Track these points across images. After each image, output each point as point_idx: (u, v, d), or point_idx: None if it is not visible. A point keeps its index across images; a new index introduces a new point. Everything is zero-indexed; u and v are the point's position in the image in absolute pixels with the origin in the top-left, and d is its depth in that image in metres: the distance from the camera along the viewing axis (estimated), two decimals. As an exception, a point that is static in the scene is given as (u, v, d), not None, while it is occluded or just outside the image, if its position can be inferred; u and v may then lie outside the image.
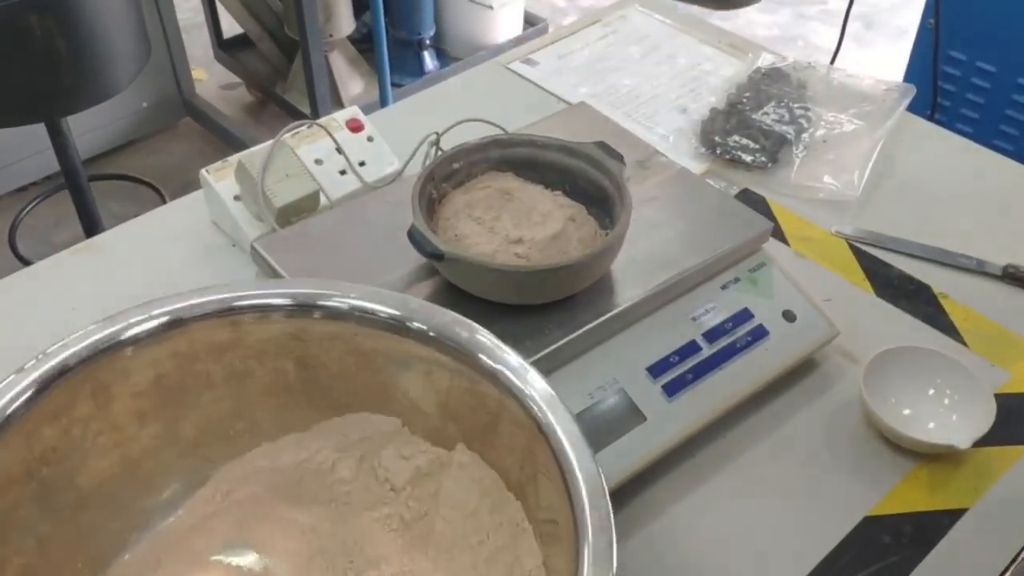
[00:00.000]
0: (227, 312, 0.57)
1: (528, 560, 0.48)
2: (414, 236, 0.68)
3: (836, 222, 0.97)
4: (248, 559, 0.54)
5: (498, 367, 0.54)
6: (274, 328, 0.57)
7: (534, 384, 0.52)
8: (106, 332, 0.54)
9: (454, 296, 0.71)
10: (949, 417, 0.76)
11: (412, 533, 0.55)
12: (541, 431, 0.50)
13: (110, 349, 0.54)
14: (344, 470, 0.58)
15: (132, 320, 0.55)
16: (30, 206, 2.04)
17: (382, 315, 0.57)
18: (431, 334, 0.56)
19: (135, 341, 0.55)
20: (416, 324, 0.56)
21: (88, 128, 2.08)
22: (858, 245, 0.95)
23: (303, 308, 0.57)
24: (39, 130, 1.57)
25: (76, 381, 0.53)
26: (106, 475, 0.56)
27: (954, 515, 0.71)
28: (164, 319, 0.55)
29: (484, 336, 0.56)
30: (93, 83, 1.44)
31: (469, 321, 0.57)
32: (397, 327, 0.57)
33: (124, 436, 0.56)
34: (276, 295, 0.58)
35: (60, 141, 1.60)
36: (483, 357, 0.55)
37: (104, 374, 0.54)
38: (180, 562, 0.54)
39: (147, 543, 0.56)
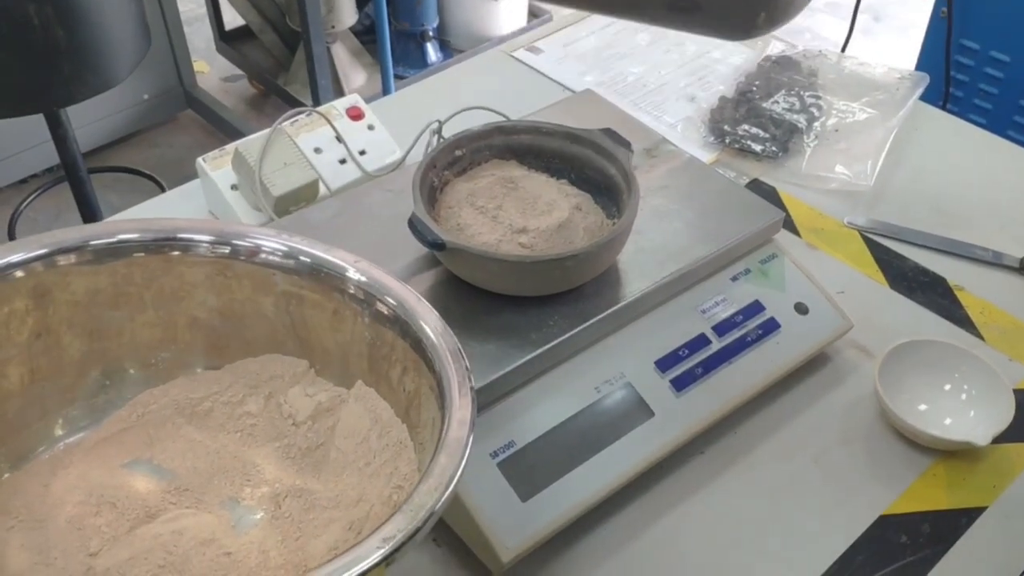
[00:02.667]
0: (166, 242, 0.61)
1: (405, 467, 0.53)
2: (415, 225, 0.66)
3: (848, 213, 0.95)
4: (154, 470, 0.59)
5: (396, 305, 0.59)
6: (202, 265, 0.62)
7: (430, 325, 0.57)
8: (57, 240, 0.59)
9: (456, 287, 0.69)
10: (967, 413, 0.74)
11: (307, 460, 0.60)
12: (427, 363, 0.55)
13: (58, 255, 0.58)
14: (252, 404, 0.62)
15: (86, 234, 0.60)
16: (30, 198, 2.03)
17: (303, 263, 0.61)
18: (351, 291, 0.60)
19: (78, 249, 0.59)
20: (336, 274, 0.61)
21: (89, 120, 2.06)
22: (871, 236, 0.92)
23: (224, 246, 0.61)
24: (39, 122, 1.55)
25: (22, 278, 0.57)
26: (34, 377, 0.59)
27: (972, 514, 0.69)
28: (112, 240, 0.60)
29: (391, 282, 0.60)
30: (92, 73, 1.41)
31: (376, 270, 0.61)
32: (315, 274, 0.61)
33: (54, 342, 0.60)
34: (205, 231, 0.62)
35: (60, 132, 1.57)
36: (388, 299, 0.59)
37: (48, 277, 0.58)
38: (90, 466, 0.58)
39: (64, 447, 0.60)
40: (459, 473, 0.47)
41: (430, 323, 0.57)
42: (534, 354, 0.66)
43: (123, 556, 0.52)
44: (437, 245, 0.65)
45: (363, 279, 0.60)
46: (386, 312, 0.58)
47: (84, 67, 1.40)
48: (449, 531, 0.65)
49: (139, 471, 0.58)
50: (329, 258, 0.61)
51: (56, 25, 1.33)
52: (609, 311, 0.69)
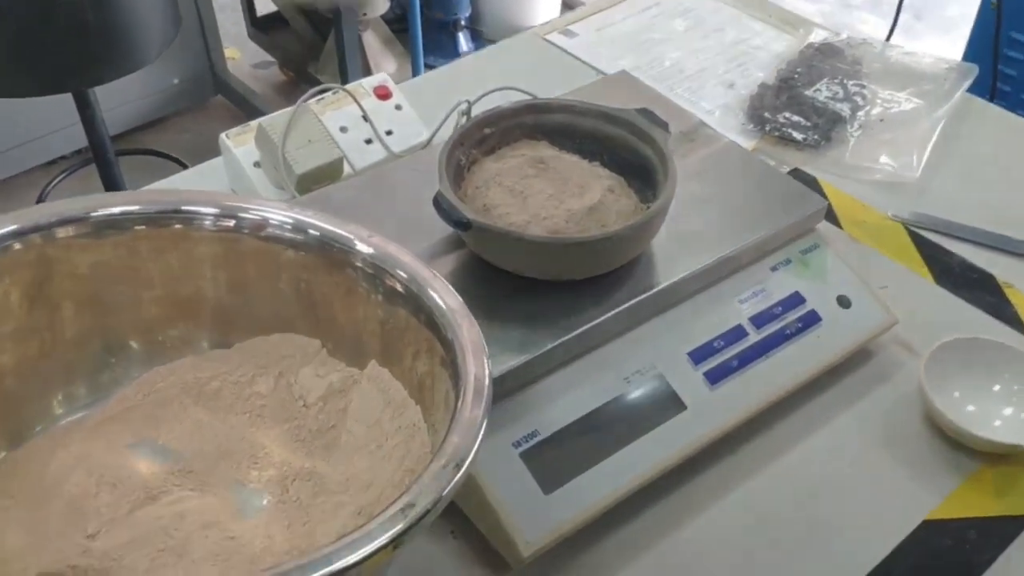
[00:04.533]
0: (170, 215, 0.59)
1: (418, 450, 0.51)
2: (440, 204, 0.63)
3: (893, 205, 0.91)
4: (158, 450, 0.57)
5: (413, 288, 0.56)
6: (210, 241, 0.60)
7: (444, 298, 0.54)
8: (58, 211, 0.57)
9: (482, 270, 0.66)
10: (1017, 416, 0.70)
11: (317, 443, 0.58)
12: (440, 340, 0.53)
13: (58, 226, 0.56)
14: (262, 385, 0.60)
15: (90, 204, 0.58)
16: (57, 179, 2.02)
17: (312, 237, 0.59)
18: (360, 265, 0.58)
19: (79, 221, 0.57)
20: (347, 248, 0.58)
21: (118, 103, 2.06)
22: (916, 230, 0.88)
23: (229, 219, 0.59)
24: (68, 103, 1.54)
25: (24, 247, 0.55)
26: (34, 352, 0.57)
27: (1022, 521, 0.65)
28: (113, 211, 0.58)
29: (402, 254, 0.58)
30: (120, 54, 1.40)
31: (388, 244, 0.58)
32: (326, 250, 0.59)
33: (56, 316, 0.58)
34: (210, 203, 0.60)
35: (88, 113, 1.57)
36: (399, 272, 0.57)
37: (49, 249, 0.56)
38: (93, 445, 0.56)
39: (65, 425, 0.58)
40: (472, 454, 0.45)
41: (444, 297, 0.54)
42: (561, 340, 0.63)
43: (122, 538, 0.49)
44: (462, 224, 0.62)
45: (371, 252, 0.57)
46: (399, 288, 0.56)
47: (112, 48, 1.39)
48: (466, 522, 0.62)
49: (143, 452, 0.56)
50: (337, 231, 0.58)
51: (86, 6, 1.32)
52: (641, 298, 0.66)
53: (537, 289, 0.65)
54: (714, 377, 0.67)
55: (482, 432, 0.47)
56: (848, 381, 0.73)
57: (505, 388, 0.61)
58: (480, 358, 0.50)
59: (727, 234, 0.71)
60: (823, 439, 0.70)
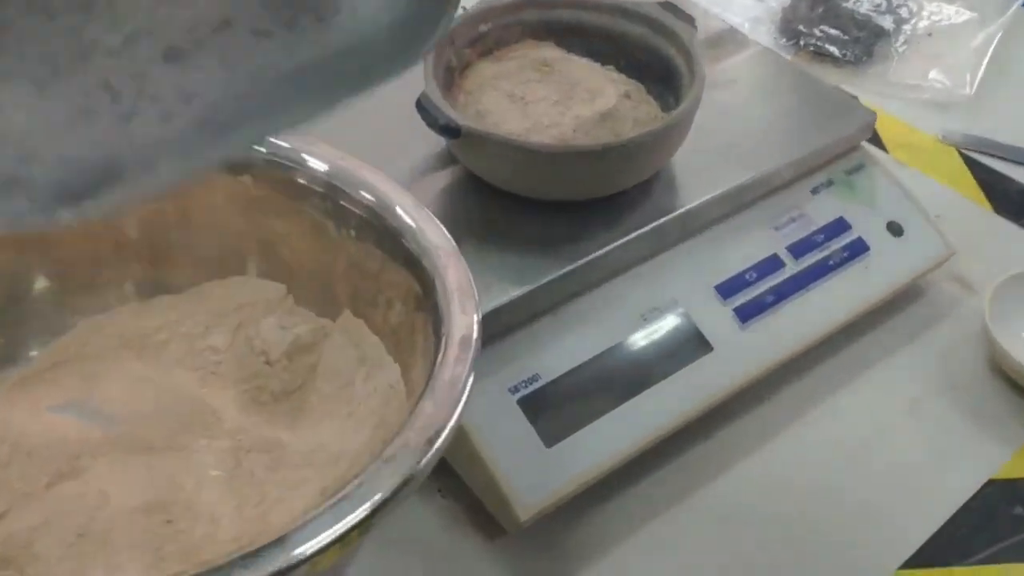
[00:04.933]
0: None
1: (394, 418, 0.43)
2: (424, 107, 0.53)
3: (944, 127, 0.81)
4: (90, 414, 0.49)
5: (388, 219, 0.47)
6: None
7: (424, 228, 0.46)
8: None
9: (475, 190, 0.57)
10: (1096, 360, 0.60)
11: (280, 407, 0.49)
12: (422, 284, 0.44)
13: None
14: (217, 338, 0.51)
15: None
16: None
17: (267, 157, 0.50)
18: (324, 191, 0.49)
19: None
20: (308, 171, 0.49)
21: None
22: (970, 154, 0.79)
23: None
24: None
25: None
26: None
27: (1103, 482, 0.56)
28: None
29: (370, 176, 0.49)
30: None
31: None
32: (284, 173, 0.50)
33: None
34: None
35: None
36: (363, 194, 0.48)
37: None
38: (10, 408, 0.48)
39: None
40: (449, 426, 0.36)
41: (424, 227, 0.45)
42: (567, 270, 0.54)
43: (35, 519, 0.40)
44: (450, 130, 0.52)
45: (339, 175, 0.48)
46: (372, 221, 0.47)
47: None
48: (456, 479, 0.54)
49: (70, 414, 0.47)
50: (296, 150, 0.49)
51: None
52: (661, 222, 0.56)
53: (540, 212, 0.56)
54: (746, 314, 0.58)
55: (465, 396, 0.38)
56: (898, 320, 0.64)
57: (501, 325, 0.52)
58: (468, 303, 0.42)
59: (761, 150, 0.62)
60: (870, 386, 0.61)
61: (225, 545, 0.41)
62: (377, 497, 0.33)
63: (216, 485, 0.45)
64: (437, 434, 0.35)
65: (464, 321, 0.41)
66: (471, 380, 0.38)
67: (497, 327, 0.52)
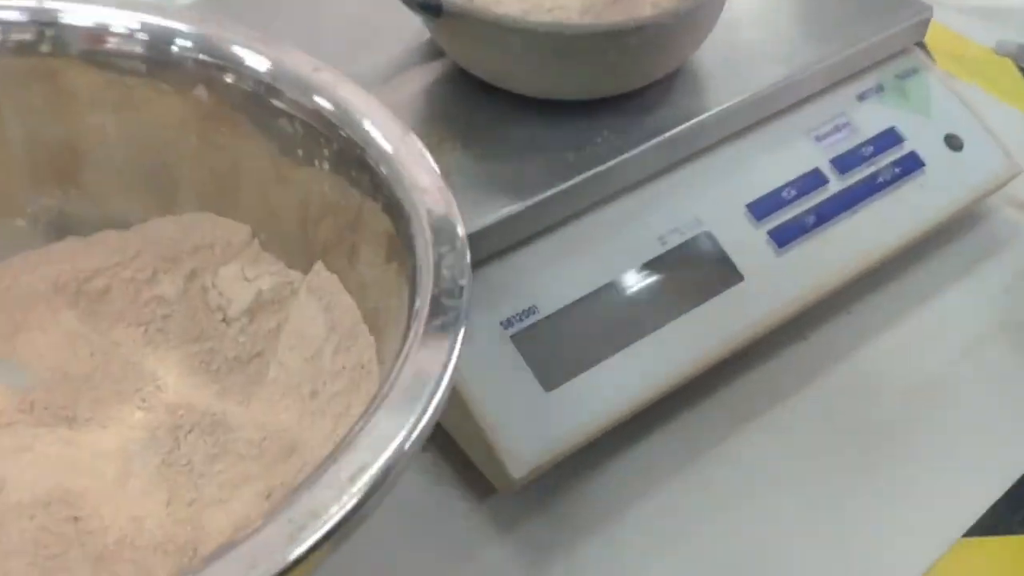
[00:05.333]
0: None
1: (360, 407, 0.37)
2: (400, -19, 0.44)
3: (999, 36, 0.72)
4: (7, 371, 0.42)
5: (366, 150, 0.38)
6: (89, 69, 0.42)
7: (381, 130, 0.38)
8: None
9: (462, 86, 0.49)
10: None
11: (235, 377, 0.42)
12: (393, 219, 0.37)
13: None
14: (167, 286, 0.44)
15: None
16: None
17: (222, 67, 0.41)
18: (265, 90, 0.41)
19: None
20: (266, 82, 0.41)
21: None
22: (1029, 67, 0.71)
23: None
24: None
25: None
26: None
27: None
28: None
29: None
30: None
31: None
32: (242, 87, 0.41)
33: None
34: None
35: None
36: (321, 101, 0.40)
37: None
38: None
39: None
40: (415, 435, 0.28)
41: (392, 138, 0.37)
42: (571, 183, 0.45)
43: None
44: (430, 7, 0.43)
45: (267, 66, 0.40)
46: (337, 146, 0.39)
47: None
48: (440, 430, 0.46)
49: None
50: (249, 52, 0.40)
51: None
52: (684, 127, 0.48)
53: (539, 113, 0.47)
54: (782, 238, 0.50)
55: (445, 383, 0.29)
56: (954, 248, 0.57)
57: (491, 248, 0.44)
58: (452, 229, 0.33)
59: (801, 47, 0.53)
60: (921, 324, 0.53)
61: (145, 554, 0.33)
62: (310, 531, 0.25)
63: (144, 473, 0.37)
64: (397, 448, 0.27)
65: (447, 272, 0.32)
66: (456, 354, 0.30)
67: (487, 250, 0.44)
